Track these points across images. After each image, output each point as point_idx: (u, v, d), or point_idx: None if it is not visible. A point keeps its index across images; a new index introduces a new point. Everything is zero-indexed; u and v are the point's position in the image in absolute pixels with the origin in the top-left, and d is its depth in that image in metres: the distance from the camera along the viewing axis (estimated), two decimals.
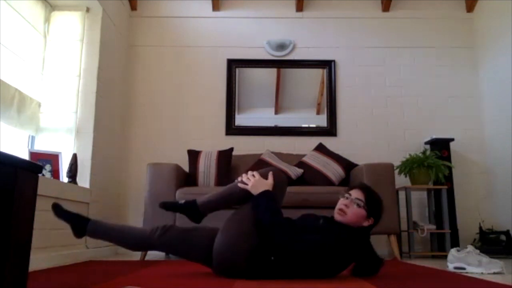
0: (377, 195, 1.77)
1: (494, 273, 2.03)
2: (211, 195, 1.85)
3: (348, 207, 1.72)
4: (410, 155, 3.46)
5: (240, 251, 1.65)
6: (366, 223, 1.72)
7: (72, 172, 2.81)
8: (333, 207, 1.80)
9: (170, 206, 1.86)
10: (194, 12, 4.09)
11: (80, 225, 1.80)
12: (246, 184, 1.76)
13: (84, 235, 1.81)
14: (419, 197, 3.73)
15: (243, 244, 1.66)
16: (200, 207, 1.82)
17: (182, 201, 1.85)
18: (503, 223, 3.57)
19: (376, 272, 1.78)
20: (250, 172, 1.80)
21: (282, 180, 1.86)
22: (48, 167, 2.80)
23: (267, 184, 1.75)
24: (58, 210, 1.80)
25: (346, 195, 1.77)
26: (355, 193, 1.75)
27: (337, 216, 1.74)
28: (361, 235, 1.71)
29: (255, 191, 1.73)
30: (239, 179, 1.80)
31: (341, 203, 1.75)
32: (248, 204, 1.75)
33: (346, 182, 3.31)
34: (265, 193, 1.71)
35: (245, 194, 1.76)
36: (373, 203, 1.72)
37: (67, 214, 1.80)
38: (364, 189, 1.77)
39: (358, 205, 1.70)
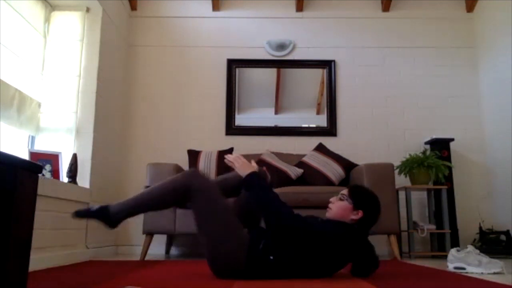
0: (362, 189, 1.82)
1: (494, 273, 2.03)
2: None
3: (333, 203, 1.80)
4: (410, 155, 3.46)
5: (236, 254, 1.65)
6: (354, 216, 1.74)
7: (72, 172, 2.81)
8: None
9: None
10: (194, 12, 4.09)
11: (106, 216, 1.71)
12: (232, 163, 1.83)
13: (115, 223, 1.72)
14: (419, 197, 3.73)
15: (236, 245, 1.66)
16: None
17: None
18: (503, 223, 3.57)
19: (368, 274, 1.79)
20: (235, 154, 1.87)
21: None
22: (48, 167, 2.80)
23: (253, 167, 1.83)
24: (80, 215, 1.72)
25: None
26: (343, 191, 1.83)
27: (326, 214, 1.82)
28: (356, 230, 1.72)
29: (243, 172, 1.78)
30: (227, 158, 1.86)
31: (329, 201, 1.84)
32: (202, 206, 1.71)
33: (346, 182, 3.31)
34: (253, 173, 1.77)
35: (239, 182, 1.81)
36: (357, 195, 1.77)
37: (88, 213, 1.72)
38: (350, 186, 1.85)
39: (341, 199, 1.79)
